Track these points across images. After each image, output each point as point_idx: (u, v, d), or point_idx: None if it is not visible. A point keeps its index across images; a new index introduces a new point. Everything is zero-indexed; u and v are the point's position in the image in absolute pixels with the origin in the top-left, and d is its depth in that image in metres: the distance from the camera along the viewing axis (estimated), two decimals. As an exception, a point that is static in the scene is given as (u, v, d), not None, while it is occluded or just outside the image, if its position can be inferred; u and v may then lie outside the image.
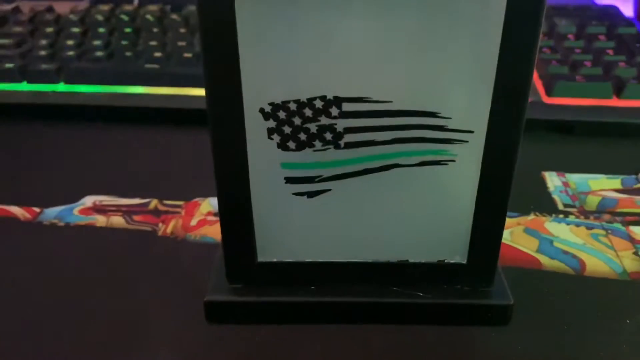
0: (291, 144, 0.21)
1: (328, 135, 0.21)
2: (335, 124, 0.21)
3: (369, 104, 0.21)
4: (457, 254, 0.24)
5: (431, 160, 0.22)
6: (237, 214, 0.23)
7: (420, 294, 0.24)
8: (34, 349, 0.24)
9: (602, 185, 0.34)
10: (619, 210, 0.32)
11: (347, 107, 0.21)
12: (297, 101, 0.21)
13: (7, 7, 0.54)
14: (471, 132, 0.21)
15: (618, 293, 0.27)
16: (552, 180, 0.35)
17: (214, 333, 0.25)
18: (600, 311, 0.26)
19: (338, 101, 0.21)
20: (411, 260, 0.24)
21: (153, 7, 0.51)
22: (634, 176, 0.35)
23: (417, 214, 0.23)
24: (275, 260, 0.24)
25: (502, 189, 0.22)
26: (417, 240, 0.24)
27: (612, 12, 0.50)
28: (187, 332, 0.25)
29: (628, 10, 0.63)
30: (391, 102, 0.21)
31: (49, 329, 0.25)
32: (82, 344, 0.24)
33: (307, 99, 0.21)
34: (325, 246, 0.24)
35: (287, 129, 0.21)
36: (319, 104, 0.21)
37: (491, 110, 0.20)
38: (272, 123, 0.21)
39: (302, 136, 0.21)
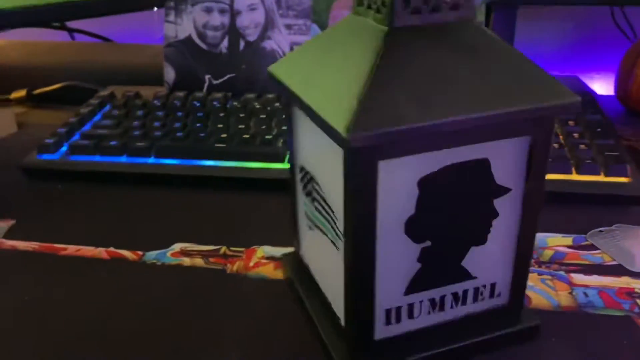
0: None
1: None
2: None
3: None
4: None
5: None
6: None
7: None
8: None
9: (557, 242, 0.45)
10: (565, 261, 0.43)
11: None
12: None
13: (105, 92, 0.69)
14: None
15: (551, 319, 0.38)
16: (519, 237, 0.46)
17: (268, 339, 0.37)
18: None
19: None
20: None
21: (218, 94, 0.65)
22: (583, 236, 0.46)
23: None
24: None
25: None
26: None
27: (588, 99, 0.62)
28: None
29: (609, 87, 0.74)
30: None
31: (163, 330, 0.37)
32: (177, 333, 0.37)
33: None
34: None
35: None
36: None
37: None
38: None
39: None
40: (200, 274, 0.43)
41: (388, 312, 0.32)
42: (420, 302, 0.33)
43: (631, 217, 0.48)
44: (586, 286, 0.40)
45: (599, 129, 0.55)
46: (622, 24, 0.72)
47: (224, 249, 0.46)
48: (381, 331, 0.33)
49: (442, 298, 0.33)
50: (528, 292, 0.40)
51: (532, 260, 0.43)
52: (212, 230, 0.48)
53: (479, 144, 0.29)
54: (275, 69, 0.34)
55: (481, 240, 0.32)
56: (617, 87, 0.71)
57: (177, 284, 0.42)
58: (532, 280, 0.41)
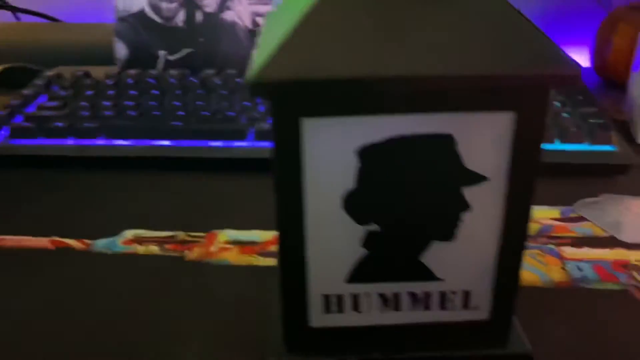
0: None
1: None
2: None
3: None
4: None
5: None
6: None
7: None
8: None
9: (543, 215, 0.42)
10: (553, 234, 0.40)
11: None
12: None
13: (51, 72, 0.63)
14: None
15: (544, 297, 0.34)
16: (503, 211, 0.42)
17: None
18: (529, 308, 0.33)
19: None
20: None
21: (174, 71, 0.60)
22: (571, 207, 0.43)
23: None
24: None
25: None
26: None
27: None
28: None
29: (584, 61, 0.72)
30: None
31: (117, 323, 0.33)
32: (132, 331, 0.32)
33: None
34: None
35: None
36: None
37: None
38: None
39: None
40: (155, 262, 0.38)
41: (326, 298, 0.28)
42: (368, 294, 0.28)
43: (617, 187, 0.45)
44: (579, 260, 0.37)
45: (580, 97, 0.52)
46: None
47: (181, 234, 0.41)
48: (319, 319, 0.28)
49: (397, 296, 0.28)
50: (517, 268, 0.37)
51: (519, 235, 0.40)
52: (168, 215, 0.43)
53: (438, 115, 0.24)
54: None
55: (447, 235, 0.27)
56: (594, 58, 0.69)
57: (130, 274, 0.37)
58: (520, 255, 0.38)
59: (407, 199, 0.26)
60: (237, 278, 0.37)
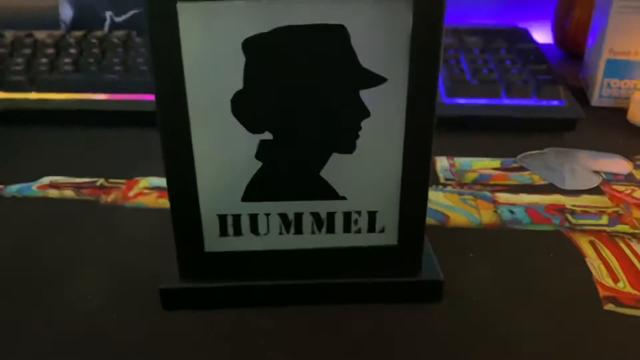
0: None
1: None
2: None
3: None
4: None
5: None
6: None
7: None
8: None
9: (483, 165, 0.40)
10: (491, 182, 0.38)
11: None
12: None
13: (-8, 34, 0.61)
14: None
15: (471, 236, 0.32)
16: (442, 162, 0.41)
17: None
18: (454, 246, 0.31)
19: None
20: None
21: (120, 32, 0.58)
22: (512, 158, 0.41)
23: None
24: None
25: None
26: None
27: (521, 33, 0.58)
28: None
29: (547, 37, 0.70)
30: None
31: (19, 261, 0.31)
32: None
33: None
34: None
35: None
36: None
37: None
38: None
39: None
40: (68, 205, 0.36)
41: (222, 219, 0.26)
42: (267, 215, 0.26)
43: (565, 142, 0.44)
44: (512, 204, 0.36)
45: (532, 57, 0.51)
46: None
47: (101, 180, 0.39)
48: (214, 243, 0.26)
49: (299, 217, 0.26)
50: (446, 211, 0.35)
51: (454, 182, 0.38)
52: (94, 164, 0.41)
53: (327, 2, 0.22)
54: None
55: (346, 146, 0.24)
56: (555, 31, 0.67)
57: (38, 216, 0.35)
58: (452, 200, 0.36)
59: (300, 103, 0.24)
60: (150, 220, 0.35)
